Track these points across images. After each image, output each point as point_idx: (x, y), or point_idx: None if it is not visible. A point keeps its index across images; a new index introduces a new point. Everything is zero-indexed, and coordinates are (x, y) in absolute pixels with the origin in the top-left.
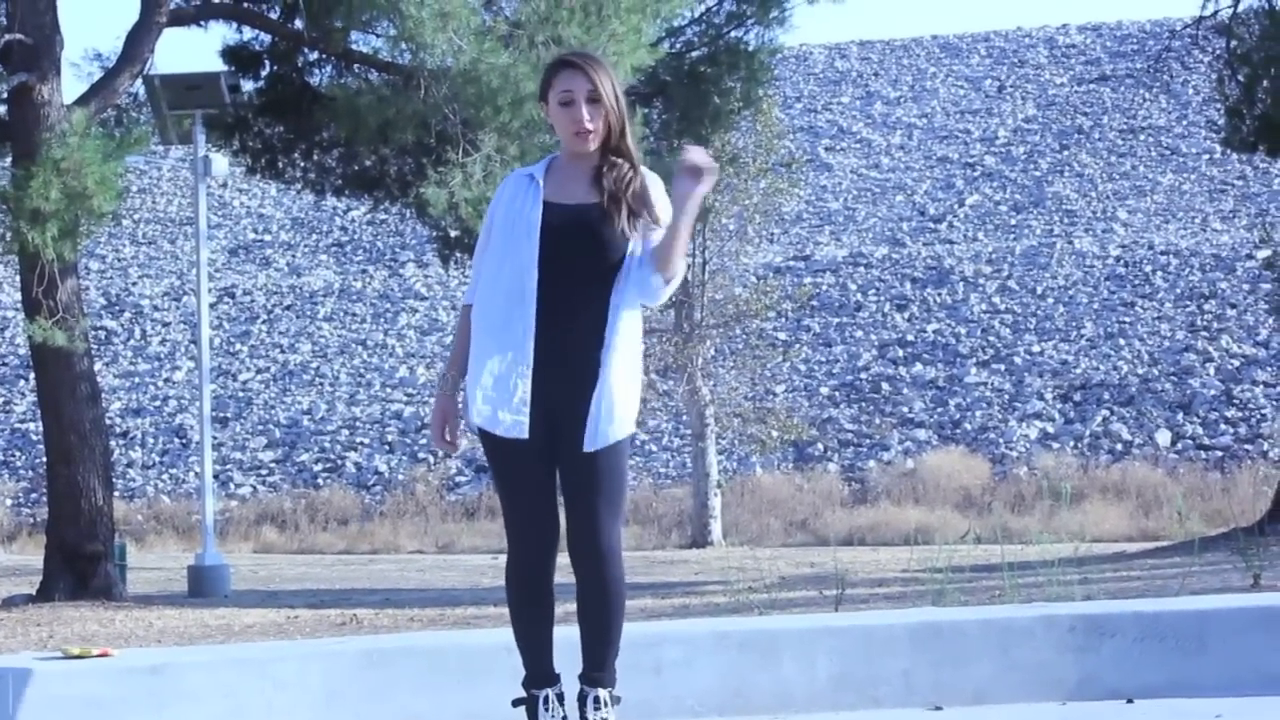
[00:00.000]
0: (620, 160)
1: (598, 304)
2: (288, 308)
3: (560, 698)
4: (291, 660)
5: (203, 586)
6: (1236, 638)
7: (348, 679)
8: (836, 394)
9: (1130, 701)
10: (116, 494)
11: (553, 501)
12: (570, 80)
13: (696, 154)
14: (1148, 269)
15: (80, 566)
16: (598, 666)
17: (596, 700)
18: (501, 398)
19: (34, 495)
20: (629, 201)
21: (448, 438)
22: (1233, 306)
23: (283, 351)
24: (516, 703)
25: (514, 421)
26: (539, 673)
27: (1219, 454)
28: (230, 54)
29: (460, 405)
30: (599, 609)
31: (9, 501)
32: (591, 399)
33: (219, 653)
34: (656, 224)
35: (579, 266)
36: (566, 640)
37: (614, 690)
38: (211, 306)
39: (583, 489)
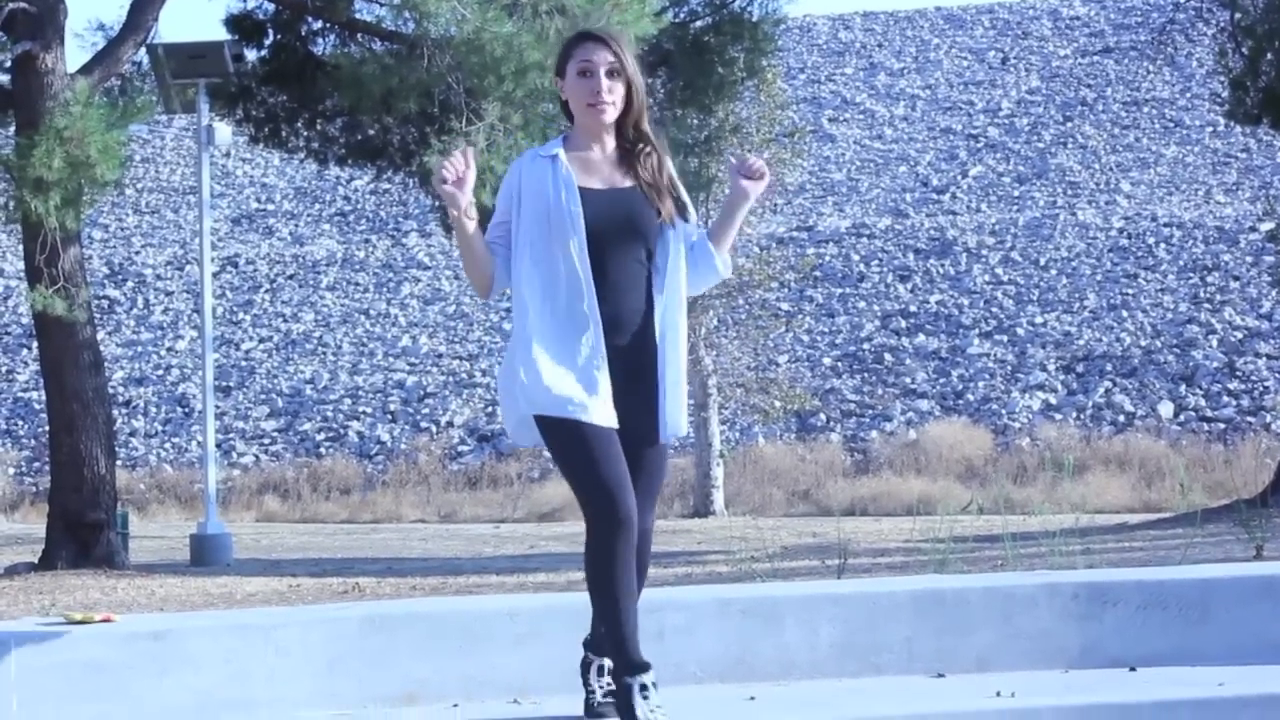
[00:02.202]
0: (648, 148)
1: (641, 291)
2: (290, 277)
3: (655, 685)
4: (294, 626)
5: (205, 555)
6: (1240, 606)
7: (350, 645)
8: (839, 364)
9: (1133, 670)
10: (119, 463)
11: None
12: (591, 51)
13: (755, 160)
14: (1151, 241)
15: (82, 535)
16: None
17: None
18: (584, 389)
19: (36, 464)
20: (669, 190)
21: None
22: (1236, 279)
23: (285, 321)
24: (608, 694)
25: (607, 414)
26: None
27: (1222, 426)
28: (234, 23)
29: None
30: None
31: (11, 470)
32: (657, 388)
33: (222, 619)
34: (688, 215)
35: (622, 253)
36: (570, 607)
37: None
38: (214, 276)
39: (637, 474)
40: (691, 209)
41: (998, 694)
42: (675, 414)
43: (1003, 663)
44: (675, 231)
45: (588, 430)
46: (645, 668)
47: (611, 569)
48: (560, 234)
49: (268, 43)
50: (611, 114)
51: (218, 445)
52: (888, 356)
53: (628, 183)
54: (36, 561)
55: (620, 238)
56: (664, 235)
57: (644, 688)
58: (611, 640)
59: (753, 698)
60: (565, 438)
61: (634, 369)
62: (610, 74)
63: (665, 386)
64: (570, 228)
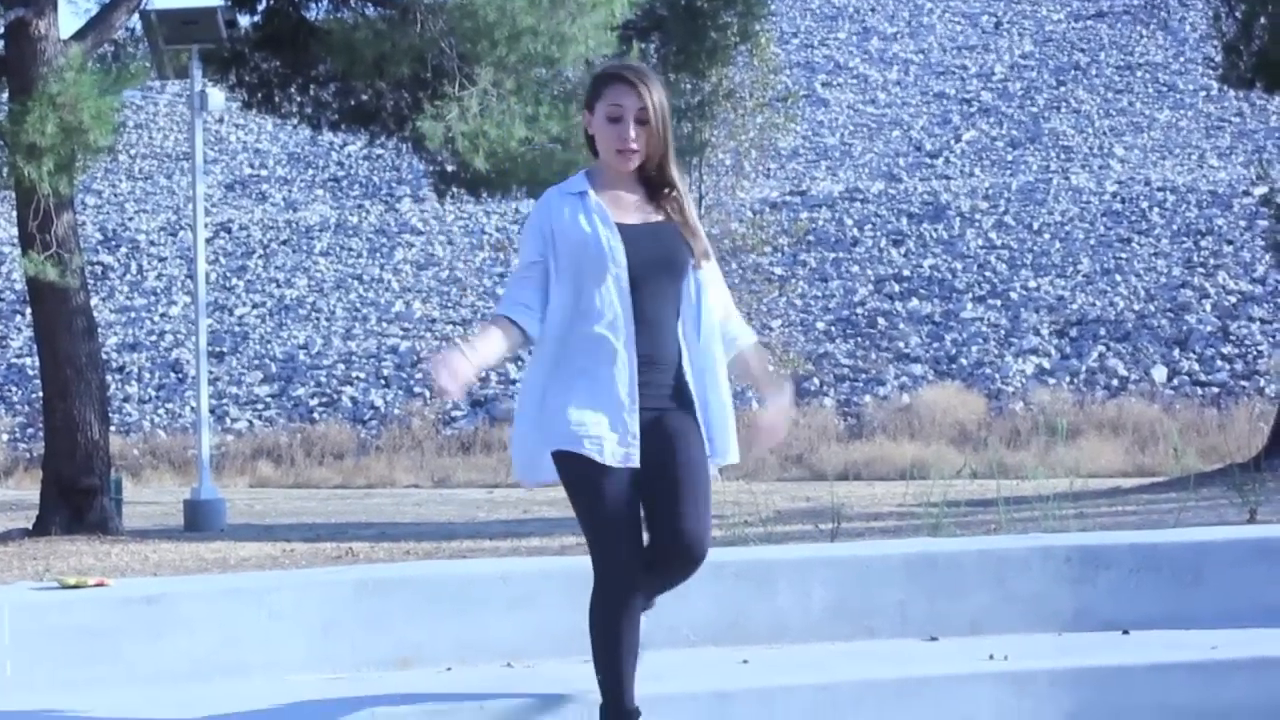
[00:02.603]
0: (674, 193)
1: (675, 324)
2: (284, 242)
3: None
4: (288, 590)
5: (199, 521)
6: (1233, 570)
7: (344, 609)
8: (832, 329)
9: (1126, 633)
10: (112, 429)
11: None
12: (622, 95)
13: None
14: (1144, 205)
15: (76, 501)
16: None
17: None
18: (611, 427)
19: (30, 430)
20: (695, 231)
21: (455, 381)
22: (1229, 243)
23: (279, 286)
24: None
25: (625, 453)
26: (631, 704)
27: (1215, 390)
28: None
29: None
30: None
31: (5, 436)
32: (694, 415)
33: (215, 583)
34: (704, 262)
35: (658, 286)
36: (563, 571)
37: None
38: (208, 241)
39: (676, 478)
40: (711, 257)
41: (991, 657)
42: (723, 437)
43: (996, 626)
44: (701, 273)
45: (605, 473)
46: (634, 715)
47: (614, 617)
48: (598, 268)
49: (260, 8)
50: (638, 161)
51: (211, 411)
52: (881, 321)
53: (659, 217)
54: (30, 527)
55: (657, 271)
56: (695, 271)
57: None
58: (602, 685)
59: (746, 661)
60: (579, 476)
61: (669, 402)
62: (639, 121)
63: (711, 410)
64: (610, 261)
